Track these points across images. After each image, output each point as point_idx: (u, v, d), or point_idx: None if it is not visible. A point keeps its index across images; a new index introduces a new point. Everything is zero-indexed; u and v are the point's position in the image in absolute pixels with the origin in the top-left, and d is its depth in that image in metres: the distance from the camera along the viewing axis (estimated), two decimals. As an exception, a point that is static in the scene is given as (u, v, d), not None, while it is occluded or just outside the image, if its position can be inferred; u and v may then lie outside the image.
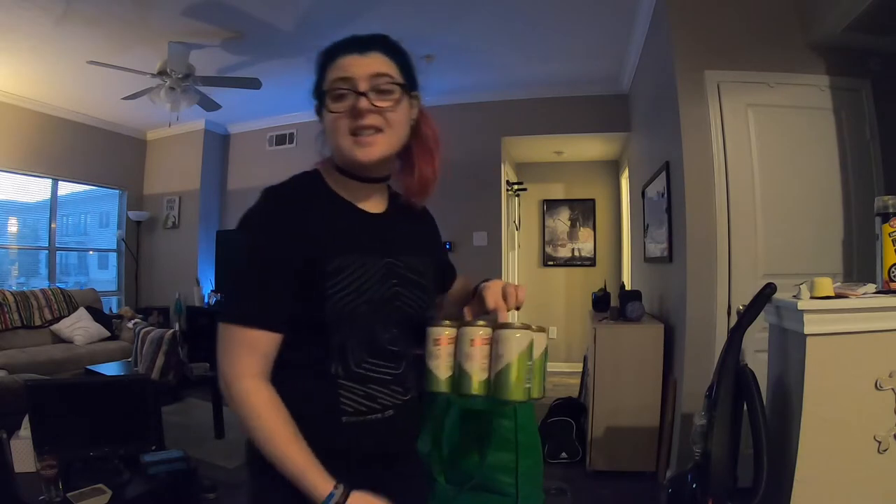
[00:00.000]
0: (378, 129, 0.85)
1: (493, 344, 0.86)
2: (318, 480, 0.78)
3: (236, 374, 0.81)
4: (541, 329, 0.88)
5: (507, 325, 0.86)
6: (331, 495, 0.77)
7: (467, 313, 0.94)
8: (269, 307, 0.82)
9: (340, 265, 0.84)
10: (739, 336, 1.57)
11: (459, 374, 0.86)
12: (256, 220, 0.85)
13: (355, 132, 0.85)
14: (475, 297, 0.95)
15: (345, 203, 0.91)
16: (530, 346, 0.85)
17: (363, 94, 0.84)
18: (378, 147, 0.86)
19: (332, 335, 0.84)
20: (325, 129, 0.89)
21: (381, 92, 0.86)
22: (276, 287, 0.83)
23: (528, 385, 0.85)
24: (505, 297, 0.91)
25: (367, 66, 0.85)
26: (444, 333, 0.89)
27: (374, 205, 0.94)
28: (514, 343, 0.84)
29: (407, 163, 0.96)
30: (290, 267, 0.83)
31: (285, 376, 0.85)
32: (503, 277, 5.12)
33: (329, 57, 0.88)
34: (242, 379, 0.81)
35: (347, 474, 0.81)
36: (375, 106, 0.85)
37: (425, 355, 0.89)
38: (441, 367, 0.88)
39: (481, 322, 0.88)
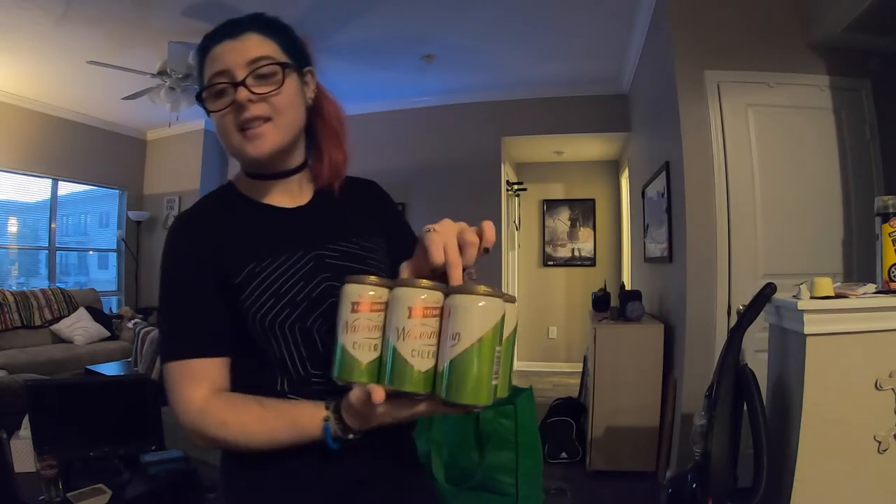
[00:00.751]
0: (266, 119, 0.75)
1: (446, 317, 0.57)
2: (311, 411, 0.70)
3: (186, 404, 0.73)
4: (510, 298, 0.61)
5: (465, 290, 0.57)
6: (326, 428, 0.69)
7: (403, 271, 0.68)
8: (197, 334, 0.75)
9: (252, 272, 0.75)
10: (739, 336, 1.57)
11: (392, 360, 0.59)
12: (167, 247, 0.79)
13: (242, 127, 0.75)
14: (418, 248, 0.66)
15: (257, 205, 0.82)
16: (500, 323, 0.57)
17: (241, 83, 0.74)
18: (269, 138, 0.76)
19: (267, 349, 0.76)
20: (217, 132, 0.78)
21: (262, 77, 0.75)
22: (197, 312, 0.76)
23: (494, 381, 0.58)
24: (461, 247, 0.61)
25: (241, 52, 0.75)
26: (366, 293, 0.62)
27: (292, 199, 0.84)
28: (478, 317, 0.56)
29: (315, 148, 0.87)
30: (206, 288, 0.76)
31: None
32: (503, 277, 5.11)
33: (203, 51, 0.78)
34: (189, 405, 0.73)
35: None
36: (256, 94, 0.74)
37: (337, 327, 0.65)
38: (361, 346, 0.62)
39: (425, 282, 0.59)
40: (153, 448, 2.31)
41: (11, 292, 4.74)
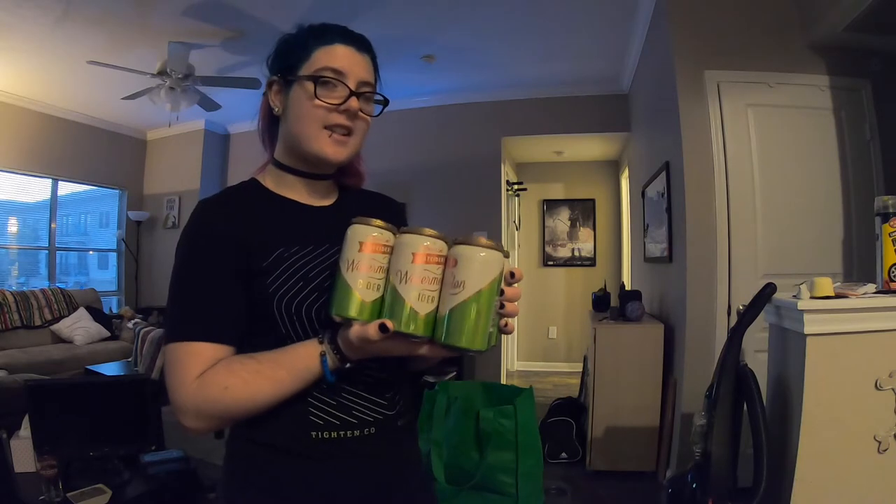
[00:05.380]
0: (350, 132, 0.80)
1: (450, 266, 0.62)
2: (304, 349, 0.71)
3: (182, 382, 0.71)
4: (506, 253, 0.65)
5: (470, 241, 0.62)
6: (324, 362, 0.71)
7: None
8: (208, 317, 0.73)
9: (280, 256, 0.76)
10: (739, 336, 1.57)
11: (391, 301, 0.63)
12: (187, 231, 0.77)
13: (331, 127, 0.78)
14: None
15: (285, 200, 0.84)
16: (500, 276, 0.63)
17: (357, 94, 0.79)
18: (347, 149, 0.81)
19: (288, 334, 0.75)
20: (286, 114, 0.80)
21: (366, 99, 0.82)
22: (212, 294, 0.74)
23: (490, 329, 0.63)
24: None
25: (360, 67, 0.81)
26: (371, 235, 0.65)
27: (318, 199, 0.86)
28: (482, 267, 0.61)
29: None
30: (227, 271, 0.75)
31: None
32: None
33: (320, 37, 0.80)
34: (186, 384, 0.71)
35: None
36: (360, 111, 0.80)
37: (340, 264, 0.67)
38: (362, 285, 0.64)
39: (429, 230, 0.64)
40: (153, 448, 2.31)
41: (11, 292, 4.74)
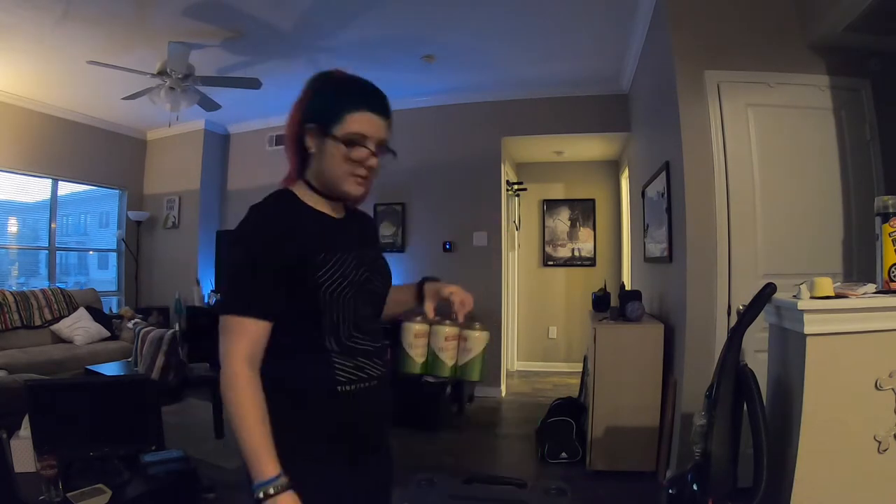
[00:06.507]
0: (368, 176, 1.07)
1: (462, 340, 1.16)
2: (270, 463, 0.90)
3: (229, 354, 0.95)
4: (486, 329, 1.19)
5: (471, 327, 1.17)
6: (276, 477, 0.89)
7: (430, 310, 1.19)
8: (258, 300, 0.98)
9: (325, 258, 1.02)
10: (739, 336, 1.57)
11: (433, 361, 1.16)
12: (250, 228, 1.01)
13: (355, 175, 1.05)
14: (428, 296, 1.21)
15: (316, 212, 1.09)
16: (488, 342, 1.19)
17: (378, 154, 1.06)
18: (366, 188, 1.09)
19: (325, 315, 1.02)
20: (320, 157, 1.05)
21: (381, 151, 1.08)
22: (264, 283, 0.98)
23: (483, 370, 1.19)
24: (462, 303, 1.18)
25: (381, 130, 1.06)
26: (416, 329, 1.16)
27: (335, 212, 1.13)
28: (479, 342, 1.16)
29: None
30: (281, 265, 0.99)
31: (288, 356, 1.01)
32: (503, 277, 5.13)
33: (355, 103, 1.04)
34: (233, 361, 0.95)
35: (345, 447, 1.03)
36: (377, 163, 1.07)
37: (403, 345, 1.16)
38: (418, 355, 1.16)
39: (449, 322, 1.16)
40: (153, 448, 2.31)
41: (11, 292, 4.74)
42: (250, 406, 0.93)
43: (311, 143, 1.06)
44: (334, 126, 1.03)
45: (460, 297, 1.18)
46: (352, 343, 1.05)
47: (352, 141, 1.03)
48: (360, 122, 1.03)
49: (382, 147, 1.08)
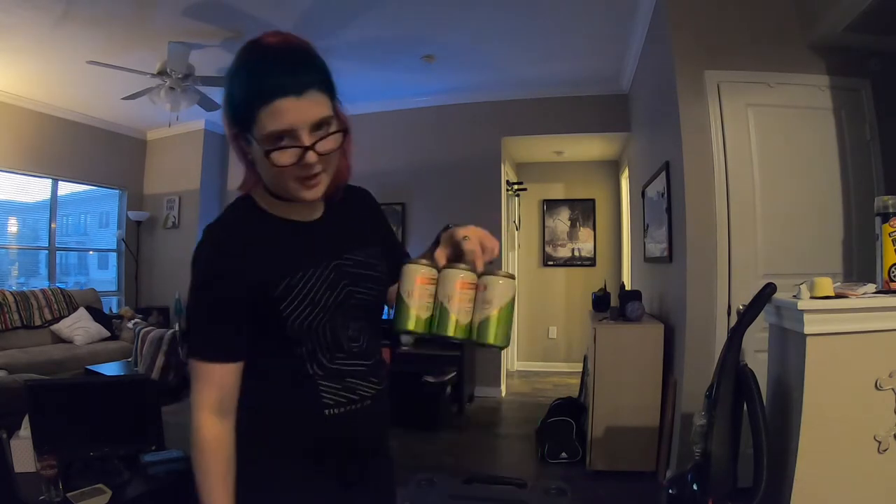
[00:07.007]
0: (323, 170, 0.84)
1: (480, 290, 0.84)
2: None
3: (194, 403, 0.85)
4: (512, 276, 0.87)
5: (494, 272, 0.85)
6: None
7: (441, 257, 0.87)
8: (220, 342, 0.85)
9: (289, 285, 0.85)
10: (739, 336, 1.57)
11: (439, 316, 0.84)
12: (200, 259, 0.86)
13: (299, 179, 0.83)
14: (442, 241, 0.89)
15: (282, 222, 0.91)
16: (514, 296, 0.86)
17: (310, 148, 0.80)
18: (322, 185, 0.86)
19: (300, 346, 0.88)
20: (256, 163, 0.85)
21: (325, 137, 0.82)
22: (224, 322, 0.85)
23: (508, 332, 0.87)
24: (483, 248, 0.87)
25: (307, 113, 0.79)
26: (420, 272, 0.85)
27: (308, 213, 0.94)
28: (502, 290, 0.84)
29: None
30: (238, 300, 0.85)
31: (269, 382, 0.89)
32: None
33: (258, 95, 0.78)
34: (198, 412, 0.85)
35: (333, 463, 0.91)
36: (321, 154, 0.81)
37: (400, 293, 0.85)
38: (420, 307, 0.85)
39: (464, 265, 0.85)
40: (153, 448, 2.30)
41: (11, 292, 4.74)
42: (213, 462, 0.84)
43: (242, 152, 0.87)
44: (252, 128, 0.80)
45: (477, 239, 0.86)
46: (336, 365, 0.91)
47: (279, 138, 0.79)
48: (274, 116, 0.78)
49: (324, 126, 0.82)
